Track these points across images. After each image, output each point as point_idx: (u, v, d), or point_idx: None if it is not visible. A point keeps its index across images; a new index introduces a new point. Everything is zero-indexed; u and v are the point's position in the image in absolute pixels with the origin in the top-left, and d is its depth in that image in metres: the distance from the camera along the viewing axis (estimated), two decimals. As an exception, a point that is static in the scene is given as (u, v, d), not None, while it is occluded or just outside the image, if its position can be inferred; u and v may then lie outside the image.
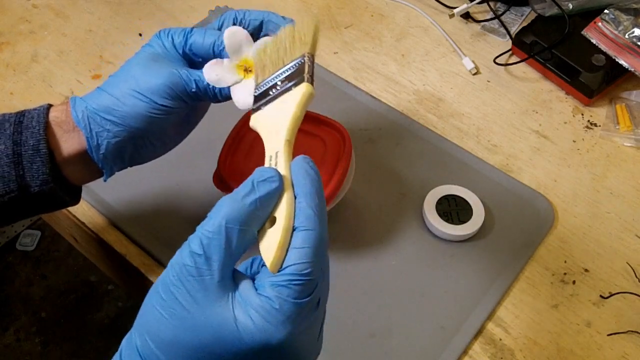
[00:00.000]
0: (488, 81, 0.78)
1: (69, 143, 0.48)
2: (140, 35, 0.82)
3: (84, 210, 0.64)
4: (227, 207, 0.35)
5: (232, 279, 0.35)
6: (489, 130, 0.72)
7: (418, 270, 0.60)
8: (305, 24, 0.44)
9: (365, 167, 0.66)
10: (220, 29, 0.50)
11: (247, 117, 0.59)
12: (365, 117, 0.72)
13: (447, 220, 0.61)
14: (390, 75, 0.78)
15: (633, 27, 0.72)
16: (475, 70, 0.78)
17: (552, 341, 0.56)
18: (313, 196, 0.36)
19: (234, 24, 0.49)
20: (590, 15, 0.75)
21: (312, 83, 0.41)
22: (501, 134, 0.72)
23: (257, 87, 0.45)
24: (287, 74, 0.42)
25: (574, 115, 0.74)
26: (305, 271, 0.34)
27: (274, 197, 0.36)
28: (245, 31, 0.48)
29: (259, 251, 0.36)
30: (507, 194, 0.65)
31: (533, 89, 0.77)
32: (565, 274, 0.60)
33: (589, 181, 0.68)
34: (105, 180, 0.51)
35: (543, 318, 0.58)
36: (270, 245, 0.35)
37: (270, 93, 0.42)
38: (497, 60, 0.79)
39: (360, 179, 0.65)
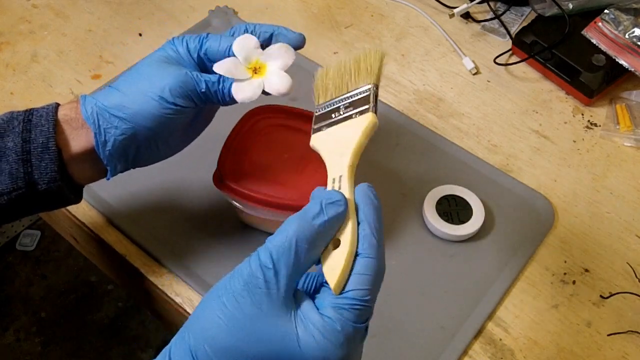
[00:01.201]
0: (488, 81, 0.78)
1: (77, 140, 0.48)
2: (140, 35, 0.82)
3: (84, 210, 0.64)
4: (297, 225, 0.36)
5: (293, 295, 0.37)
6: (489, 130, 0.72)
7: (418, 270, 0.60)
8: (372, 53, 0.45)
9: (365, 167, 0.66)
10: None
11: (247, 117, 0.60)
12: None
13: (447, 220, 0.61)
14: (390, 75, 0.78)
15: (633, 27, 0.72)
16: (475, 70, 0.78)
17: (552, 341, 0.56)
18: (376, 224, 0.38)
19: None
20: (590, 15, 0.75)
21: (376, 113, 0.43)
22: (501, 134, 0.72)
23: (318, 107, 0.46)
24: (351, 100, 0.44)
25: (574, 115, 0.74)
26: (366, 297, 0.36)
27: (340, 220, 0.38)
28: (255, 38, 0.50)
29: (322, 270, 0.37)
30: (507, 194, 0.65)
31: (533, 89, 0.77)
32: (565, 274, 0.60)
33: (589, 181, 0.68)
34: (108, 179, 0.51)
35: (543, 318, 0.58)
36: (334, 267, 0.36)
37: (333, 116, 0.44)
38: (497, 60, 0.79)
39: (360, 179, 0.64)
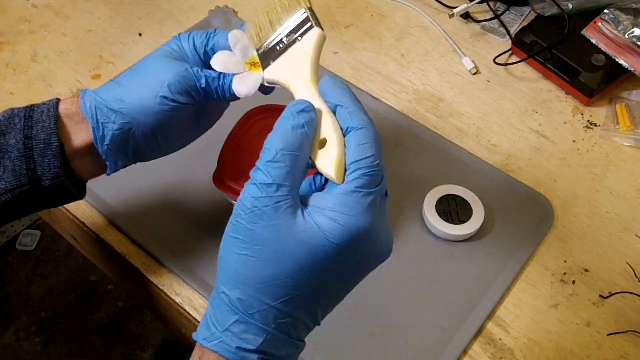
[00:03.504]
0: (488, 81, 0.78)
1: (78, 135, 0.48)
2: (140, 35, 0.82)
3: (84, 210, 0.64)
4: (278, 137, 0.37)
5: (299, 201, 0.37)
6: (489, 130, 0.72)
7: (418, 270, 0.60)
8: None
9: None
10: None
11: (247, 117, 0.60)
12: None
13: (447, 220, 0.61)
14: (390, 75, 0.78)
15: (633, 27, 0.72)
16: (475, 70, 0.78)
17: (552, 341, 0.56)
18: (354, 101, 0.39)
19: None
20: (590, 15, 0.75)
21: (321, 28, 0.44)
22: (501, 134, 0.72)
23: (259, 49, 0.47)
24: (290, 29, 0.45)
25: (574, 115, 0.74)
26: (375, 163, 0.37)
27: (314, 122, 0.38)
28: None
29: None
30: (507, 194, 0.65)
31: (533, 89, 0.77)
32: (565, 274, 0.60)
33: (589, 181, 0.68)
34: (108, 174, 0.51)
35: (543, 318, 0.58)
36: (328, 160, 0.37)
37: (278, 48, 0.45)
38: (497, 60, 0.79)
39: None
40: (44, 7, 0.86)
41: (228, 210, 0.62)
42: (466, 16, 0.84)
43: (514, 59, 0.80)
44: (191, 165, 0.64)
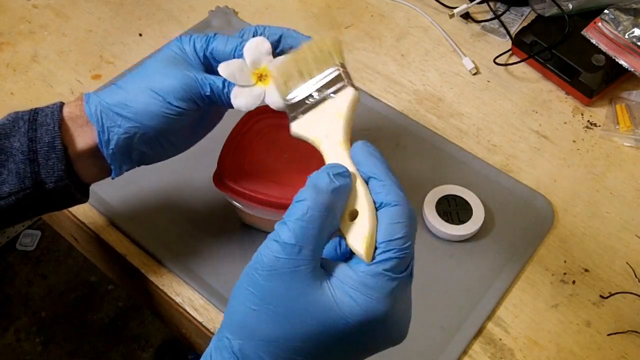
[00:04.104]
0: (488, 81, 0.78)
1: (82, 138, 0.48)
2: (140, 35, 0.82)
3: (84, 210, 0.64)
4: (312, 196, 0.35)
5: (320, 265, 0.36)
6: (489, 130, 0.72)
7: (418, 270, 0.59)
8: (325, 38, 0.45)
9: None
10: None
11: (247, 117, 0.60)
12: (365, 117, 0.72)
13: (447, 220, 0.61)
14: (390, 75, 0.78)
15: (633, 27, 0.72)
16: (475, 70, 0.78)
17: (552, 341, 0.56)
18: (388, 173, 0.37)
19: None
20: (590, 15, 0.75)
21: (355, 88, 0.43)
22: (501, 134, 0.72)
23: (286, 97, 0.45)
24: (322, 84, 0.44)
25: (574, 115, 0.74)
26: (405, 245, 0.35)
27: (348, 189, 0.37)
28: (268, 43, 0.49)
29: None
30: (507, 194, 0.65)
31: (533, 89, 0.77)
32: (565, 274, 0.60)
33: (589, 181, 0.68)
34: (113, 178, 0.51)
35: (543, 318, 0.58)
36: (359, 235, 0.35)
37: (307, 102, 0.44)
38: (497, 60, 0.79)
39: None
40: (44, 7, 0.86)
41: (228, 210, 0.62)
42: (466, 16, 0.84)
43: (514, 59, 0.80)
44: (191, 165, 0.64)
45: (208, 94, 0.48)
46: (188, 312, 0.58)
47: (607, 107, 0.75)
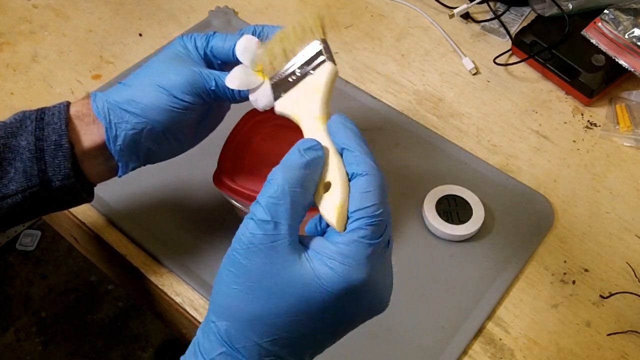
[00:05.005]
0: (488, 81, 0.78)
1: (89, 136, 0.49)
2: (140, 35, 0.82)
3: (84, 210, 0.64)
4: (282, 173, 0.36)
5: (298, 241, 0.36)
6: (489, 130, 0.72)
7: (418, 270, 0.60)
8: (309, 16, 0.46)
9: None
10: None
11: (247, 116, 0.60)
12: (365, 117, 0.72)
13: (447, 220, 0.61)
14: (390, 75, 0.78)
15: (633, 27, 0.72)
16: (475, 71, 0.78)
17: (552, 341, 0.56)
18: (361, 145, 0.38)
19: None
20: (590, 15, 0.75)
21: (334, 63, 0.43)
22: (501, 134, 0.72)
23: (271, 77, 0.46)
24: (303, 60, 0.44)
25: (573, 115, 0.74)
26: (377, 212, 0.35)
27: (320, 161, 0.37)
28: (255, 38, 0.50)
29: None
30: (507, 194, 0.65)
31: (533, 89, 0.77)
32: (565, 273, 0.60)
33: (589, 181, 0.68)
34: (120, 176, 0.51)
35: (543, 318, 0.58)
36: (331, 206, 0.36)
37: (290, 80, 0.44)
38: (497, 61, 0.79)
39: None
40: (44, 7, 0.86)
41: (228, 210, 0.62)
42: (466, 16, 0.84)
43: (514, 59, 0.80)
44: (191, 165, 0.64)
45: (213, 88, 0.49)
46: (188, 312, 0.58)
47: (607, 107, 0.75)
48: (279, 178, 0.36)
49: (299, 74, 0.44)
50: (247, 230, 0.35)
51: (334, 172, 0.37)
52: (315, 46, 0.44)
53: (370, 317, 0.38)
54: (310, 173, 0.37)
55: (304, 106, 0.42)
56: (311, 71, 0.43)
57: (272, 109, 0.50)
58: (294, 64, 0.45)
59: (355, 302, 0.36)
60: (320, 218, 0.39)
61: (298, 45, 0.45)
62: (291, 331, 0.35)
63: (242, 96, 0.49)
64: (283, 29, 0.47)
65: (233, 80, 0.49)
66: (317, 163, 0.37)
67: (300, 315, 0.35)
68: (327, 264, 0.35)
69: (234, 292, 0.35)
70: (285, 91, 0.44)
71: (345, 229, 0.36)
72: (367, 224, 0.35)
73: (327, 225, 0.38)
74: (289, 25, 0.46)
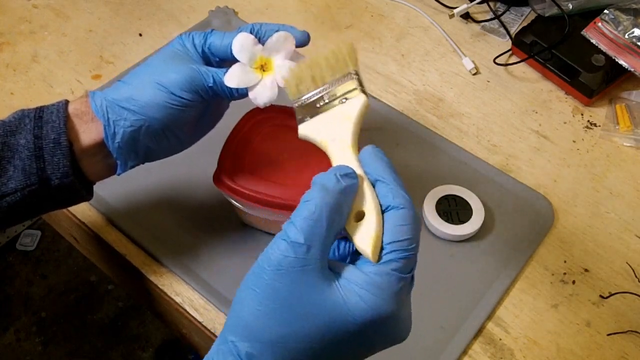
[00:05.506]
0: (488, 81, 0.78)
1: (87, 134, 0.49)
2: (140, 35, 0.82)
3: (84, 210, 0.64)
4: (320, 196, 0.35)
5: (327, 266, 0.36)
6: (489, 130, 0.72)
7: (418, 270, 0.60)
8: (341, 45, 0.46)
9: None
10: None
11: (247, 116, 0.59)
12: (365, 117, 0.72)
13: (447, 220, 0.61)
14: (390, 75, 0.78)
15: (633, 27, 0.72)
16: (475, 71, 0.78)
17: (552, 341, 0.56)
18: (396, 178, 0.38)
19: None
20: (590, 15, 0.75)
21: (366, 95, 0.44)
22: (501, 134, 0.72)
23: (295, 100, 0.46)
24: (333, 89, 0.45)
25: (573, 115, 0.74)
26: (411, 246, 0.36)
27: (354, 189, 0.37)
28: (251, 36, 0.50)
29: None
30: (507, 194, 0.65)
31: (533, 89, 0.77)
32: (565, 274, 0.60)
33: (589, 181, 0.68)
34: (118, 174, 0.51)
35: (543, 318, 0.58)
36: (366, 235, 0.36)
37: (317, 105, 0.45)
38: (497, 61, 0.79)
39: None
40: (44, 7, 0.86)
41: (228, 210, 0.62)
42: (466, 16, 0.84)
43: (514, 59, 0.80)
44: (191, 165, 0.64)
45: (211, 85, 0.49)
46: (188, 312, 0.58)
47: (607, 107, 0.75)
48: (317, 200, 0.35)
49: (327, 101, 0.44)
50: (278, 250, 0.35)
51: (369, 202, 0.37)
52: (348, 77, 0.45)
53: (390, 346, 0.38)
54: (346, 200, 0.36)
55: (333, 133, 0.43)
56: (342, 100, 0.44)
57: (271, 106, 0.51)
58: (323, 90, 0.45)
59: (380, 333, 0.36)
60: (339, 243, 0.39)
61: (329, 72, 0.45)
62: (312, 356, 0.35)
63: (240, 93, 0.50)
64: (315, 56, 0.47)
65: (232, 78, 0.49)
66: (352, 190, 0.37)
67: (324, 342, 0.35)
68: (357, 293, 0.34)
69: (258, 312, 0.35)
70: (312, 116, 0.44)
71: (379, 259, 0.36)
72: (401, 257, 0.35)
73: (348, 252, 0.38)
74: (322, 53, 0.46)
